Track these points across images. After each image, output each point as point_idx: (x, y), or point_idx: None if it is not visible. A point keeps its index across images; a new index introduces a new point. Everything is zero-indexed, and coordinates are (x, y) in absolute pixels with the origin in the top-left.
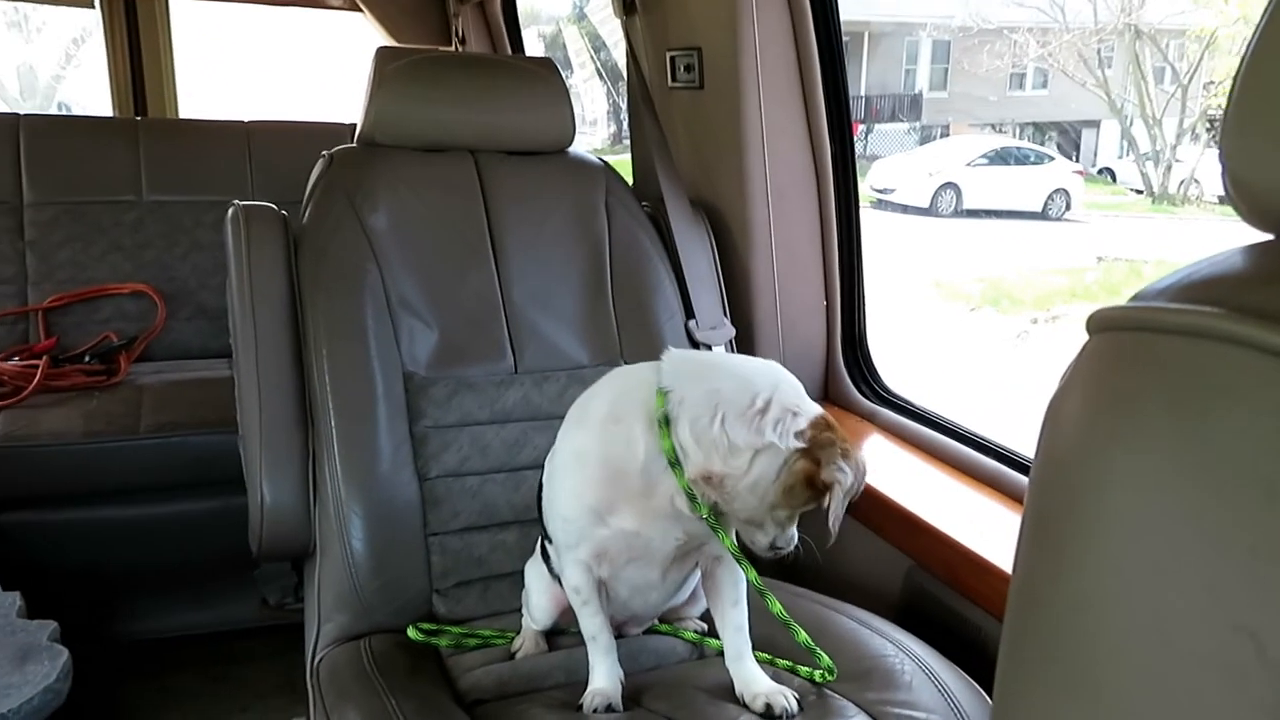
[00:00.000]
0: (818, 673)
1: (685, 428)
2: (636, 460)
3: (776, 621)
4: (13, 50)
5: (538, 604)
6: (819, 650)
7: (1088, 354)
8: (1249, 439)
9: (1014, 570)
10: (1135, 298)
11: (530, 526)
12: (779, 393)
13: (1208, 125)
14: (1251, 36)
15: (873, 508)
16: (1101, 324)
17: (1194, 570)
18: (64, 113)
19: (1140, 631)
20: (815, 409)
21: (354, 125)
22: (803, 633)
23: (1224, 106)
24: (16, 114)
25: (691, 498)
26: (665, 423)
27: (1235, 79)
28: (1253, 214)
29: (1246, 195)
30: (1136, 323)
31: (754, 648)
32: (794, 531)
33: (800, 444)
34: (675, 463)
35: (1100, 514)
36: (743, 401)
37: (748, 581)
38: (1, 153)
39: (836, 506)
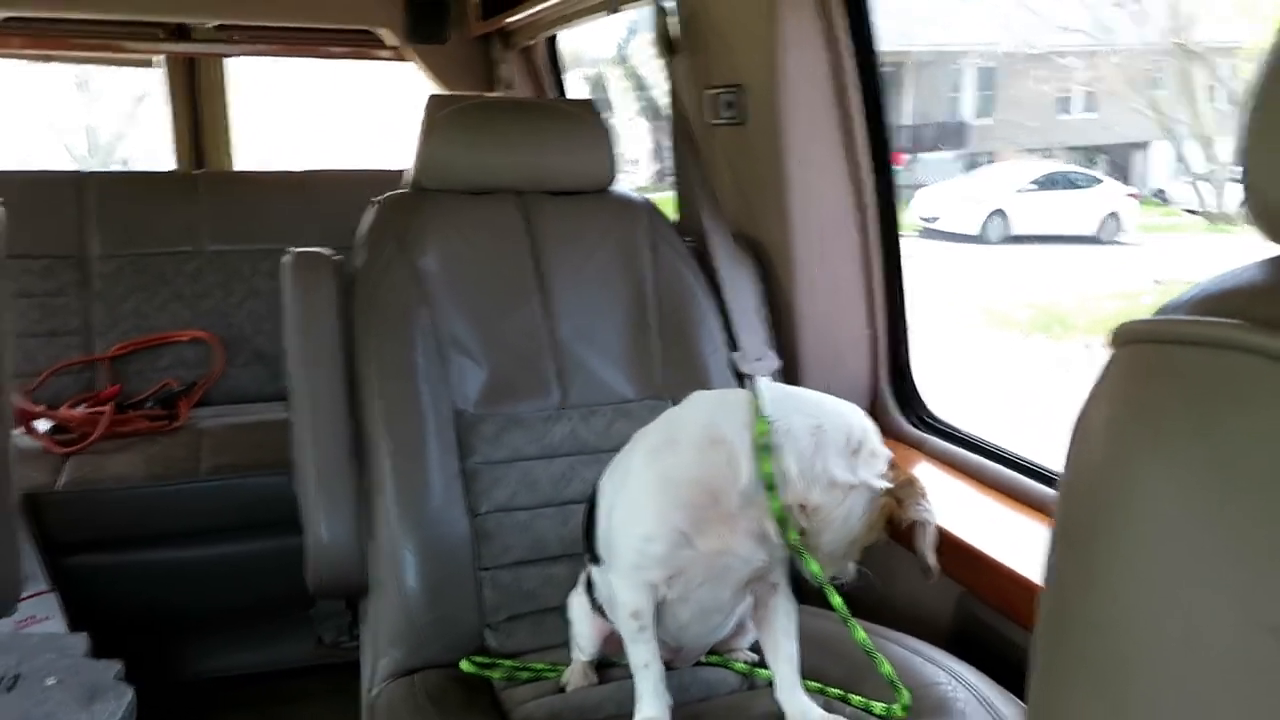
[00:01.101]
0: (892, 707)
1: (791, 458)
2: (739, 482)
3: (828, 650)
4: (79, 110)
5: (581, 633)
6: (901, 686)
7: (1112, 367)
8: (1268, 446)
9: (1044, 581)
10: (1159, 311)
11: (580, 559)
12: (868, 434)
13: None
14: (1269, 50)
15: None
16: (1125, 337)
17: (1221, 577)
18: (127, 169)
19: (1170, 639)
20: (888, 451)
21: (404, 172)
22: (887, 665)
23: (1243, 120)
24: (82, 171)
25: (781, 523)
26: (766, 449)
27: (1255, 92)
28: (1272, 227)
29: (1266, 208)
30: (1158, 335)
31: (803, 677)
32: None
33: (886, 484)
34: (770, 488)
35: (1127, 524)
36: (841, 440)
37: (834, 609)
38: (69, 209)
39: (930, 542)
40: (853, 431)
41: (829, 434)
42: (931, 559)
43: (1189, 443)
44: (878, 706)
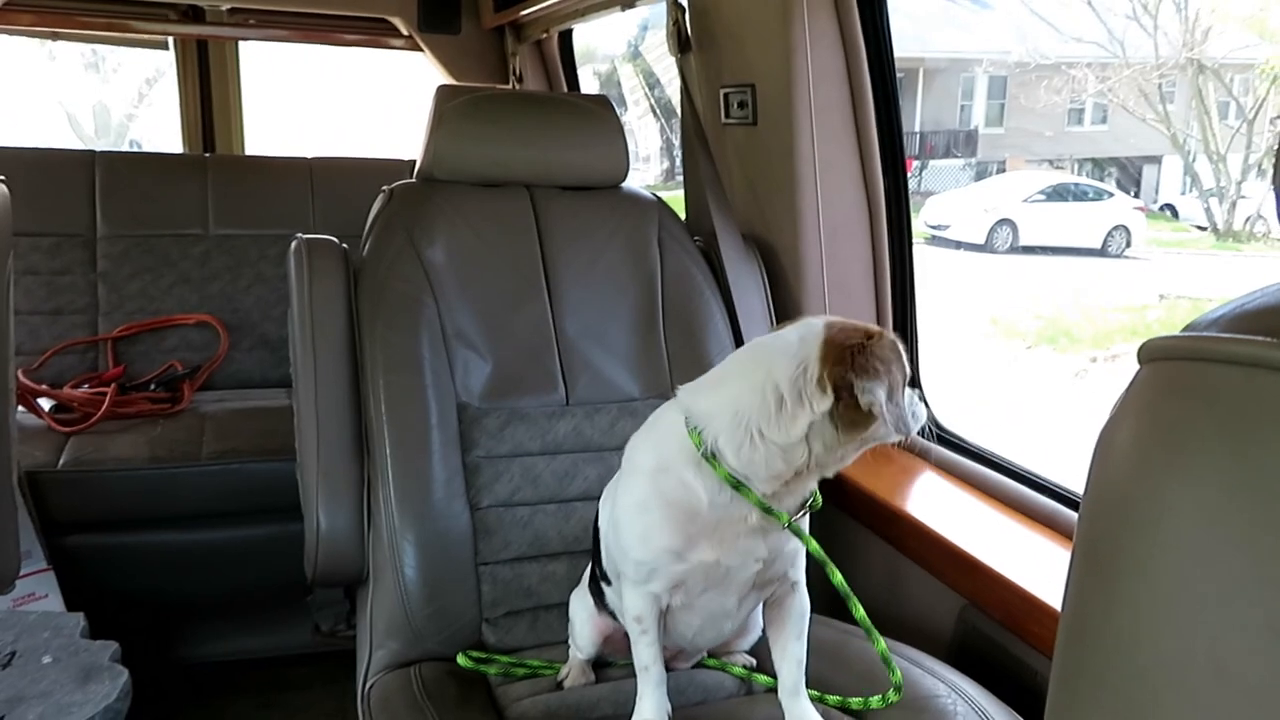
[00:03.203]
0: (881, 697)
1: (732, 459)
2: (701, 501)
3: (827, 655)
4: (89, 90)
5: (581, 633)
6: (894, 664)
7: (1139, 384)
8: None
9: (1064, 601)
10: (1188, 328)
11: (580, 558)
12: (776, 370)
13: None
14: None
15: (926, 546)
16: (1153, 354)
17: (1250, 603)
18: (136, 149)
19: (1196, 667)
20: (819, 336)
21: (413, 161)
22: (882, 642)
23: (1278, 142)
24: (92, 151)
25: (767, 510)
26: (713, 457)
27: None
28: None
29: None
30: (1189, 352)
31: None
32: (903, 401)
33: (829, 395)
34: (739, 485)
35: (1153, 546)
36: (764, 405)
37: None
38: (77, 188)
39: (887, 409)
40: (766, 387)
41: (750, 412)
42: (892, 422)
43: (1219, 464)
44: (874, 700)
